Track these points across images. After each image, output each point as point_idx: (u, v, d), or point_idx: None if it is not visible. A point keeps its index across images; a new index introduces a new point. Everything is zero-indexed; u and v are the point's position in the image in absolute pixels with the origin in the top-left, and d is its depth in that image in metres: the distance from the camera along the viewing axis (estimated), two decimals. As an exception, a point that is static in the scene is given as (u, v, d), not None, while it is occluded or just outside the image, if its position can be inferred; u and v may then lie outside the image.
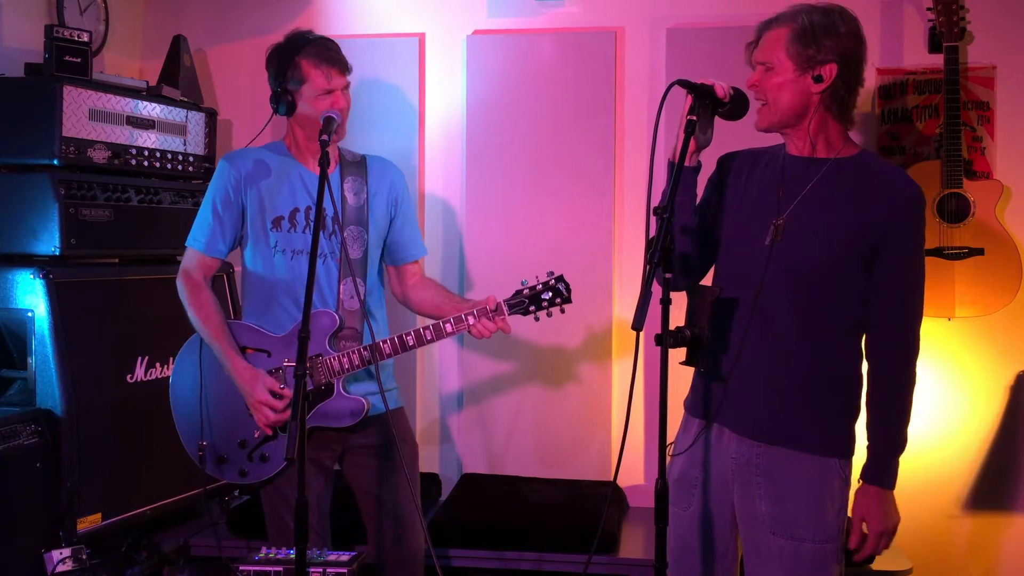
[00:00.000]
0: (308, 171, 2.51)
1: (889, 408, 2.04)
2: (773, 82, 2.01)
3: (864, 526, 2.04)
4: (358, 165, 2.57)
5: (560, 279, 2.43)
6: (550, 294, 2.41)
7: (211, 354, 2.48)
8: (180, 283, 2.50)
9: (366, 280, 2.51)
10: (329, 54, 2.44)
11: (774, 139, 2.14)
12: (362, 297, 2.47)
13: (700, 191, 2.16)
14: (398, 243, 2.62)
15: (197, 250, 2.50)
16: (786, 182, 2.05)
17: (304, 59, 2.43)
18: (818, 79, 1.98)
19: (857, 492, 2.05)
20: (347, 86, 2.47)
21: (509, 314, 2.41)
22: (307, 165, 2.52)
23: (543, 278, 2.43)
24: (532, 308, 2.42)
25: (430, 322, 2.42)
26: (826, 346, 2.02)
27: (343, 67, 2.46)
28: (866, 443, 2.05)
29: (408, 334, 2.40)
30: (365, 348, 2.40)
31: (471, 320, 2.39)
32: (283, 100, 2.45)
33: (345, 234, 2.48)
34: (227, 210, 2.49)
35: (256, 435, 2.45)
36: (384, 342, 2.39)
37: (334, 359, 2.40)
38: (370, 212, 2.54)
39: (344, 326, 2.45)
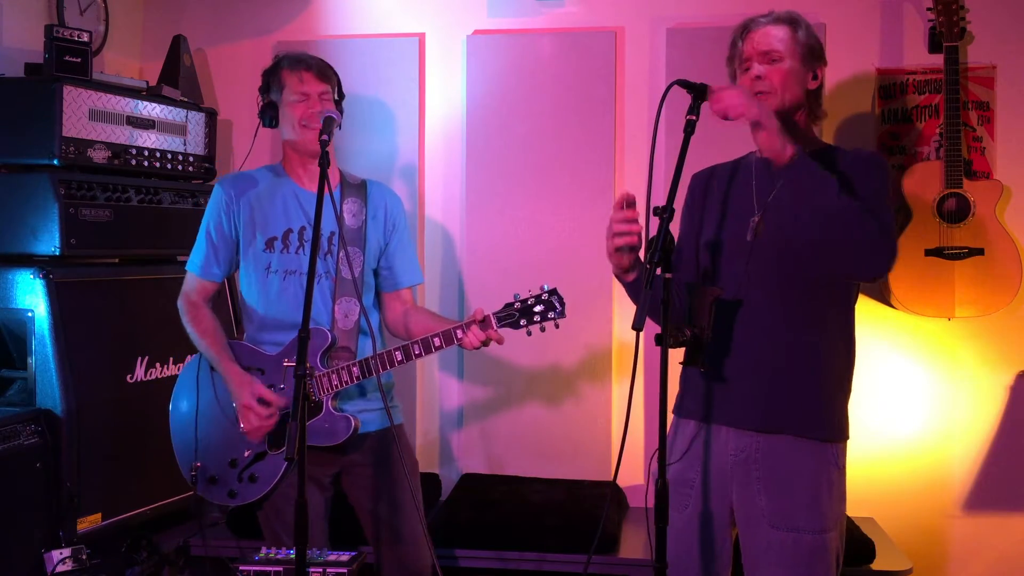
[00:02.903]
0: (302, 189, 2.50)
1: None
2: (783, 70, 2.07)
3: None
4: (358, 188, 2.57)
5: (553, 292, 2.35)
6: (542, 307, 2.34)
7: (207, 375, 2.49)
8: (180, 305, 2.54)
9: (361, 300, 2.49)
10: (304, 59, 2.49)
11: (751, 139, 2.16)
12: (357, 316, 2.45)
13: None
14: (392, 269, 2.60)
15: (194, 274, 2.54)
16: (761, 182, 2.11)
17: (283, 68, 2.50)
18: (815, 76, 2.11)
19: None
20: (325, 92, 2.46)
21: (499, 327, 2.35)
22: (301, 183, 2.51)
23: (535, 291, 2.35)
24: (523, 322, 2.35)
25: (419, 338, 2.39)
26: (815, 331, 2.06)
27: (320, 72, 2.47)
28: None
29: (397, 349, 2.37)
30: (354, 364, 2.38)
31: (459, 334, 2.34)
32: (267, 112, 2.52)
33: (342, 254, 2.46)
34: (220, 235, 2.50)
35: (247, 454, 2.44)
36: (372, 358, 2.36)
37: (324, 376, 2.38)
38: (367, 235, 2.53)
39: (337, 345, 2.44)
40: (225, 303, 3.29)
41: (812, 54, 2.09)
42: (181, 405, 2.54)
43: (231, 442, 2.46)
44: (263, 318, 2.49)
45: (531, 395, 3.50)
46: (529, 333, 2.37)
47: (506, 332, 2.37)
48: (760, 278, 2.06)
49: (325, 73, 2.49)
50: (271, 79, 2.51)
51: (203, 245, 2.52)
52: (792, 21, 2.09)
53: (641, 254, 2.00)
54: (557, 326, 2.37)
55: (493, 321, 2.35)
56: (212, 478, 2.46)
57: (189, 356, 2.61)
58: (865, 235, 1.91)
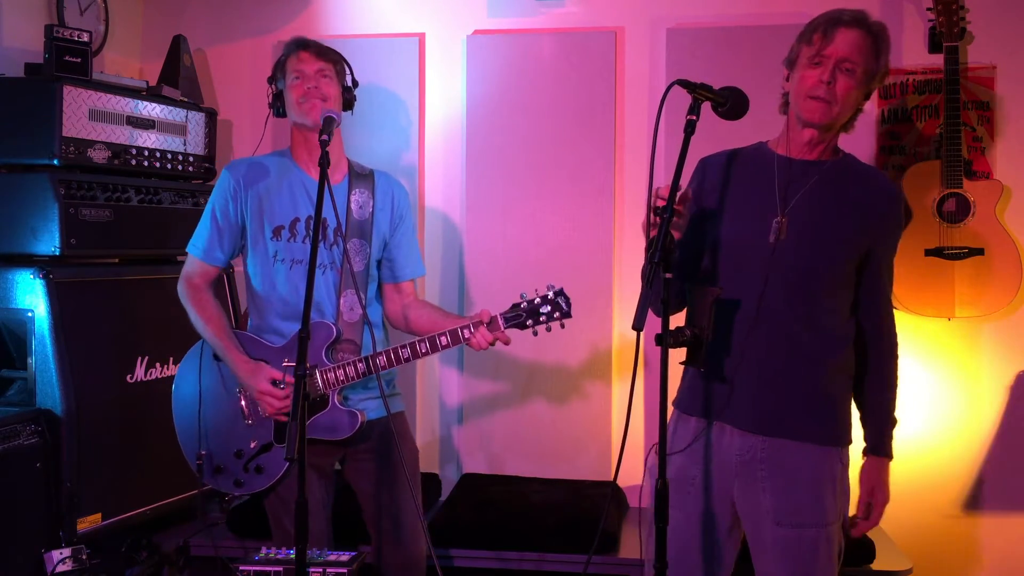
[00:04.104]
0: (310, 178, 2.50)
1: (886, 391, 2.17)
2: (849, 86, 2.01)
3: (868, 496, 2.18)
4: (366, 178, 2.57)
5: (560, 293, 2.36)
6: (549, 308, 2.35)
7: (210, 363, 2.48)
8: (181, 287, 2.52)
9: (367, 293, 2.49)
10: (302, 40, 2.51)
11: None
12: (363, 308, 2.45)
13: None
14: (396, 260, 2.60)
15: (196, 256, 2.52)
16: (785, 182, 2.07)
17: (285, 55, 2.52)
18: (867, 96, 2.07)
19: (864, 466, 2.19)
20: (323, 70, 2.47)
21: (506, 327, 2.36)
22: (309, 172, 2.51)
23: (542, 291, 2.37)
24: (530, 323, 2.36)
25: (426, 336, 2.40)
26: (825, 340, 2.06)
27: (317, 51, 2.48)
28: (862, 420, 2.18)
29: (403, 346, 2.38)
30: (360, 360, 2.39)
31: (466, 333, 2.36)
32: (277, 101, 2.54)
33: (348, 246, 2.46)
34: (226, 219, 2.50)
35: (252, 446, 2.45)
36: (380, 354, 2.37)
37: (329, 371, 2.39)
38: (374, 226, 2.53)
39: (342, 338, 2.44)
40: (224, 295, 3.29)
41: (879, 79, 2.05)
42: (185, 393, 2.53)
43: (236, 433, 2.46)
44: (269, 306, 2.48)
45: (531, 393, 3.50)
46: (535, 333, 2.38)
47: (510, 331, 2.37)
48: (776, 281, 2.04)
49: (322, 52, 2.49)
50: (277, 69, 2.54)
51: (207, 228, 2.51)
52: (878, 38, 2.01)
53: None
54: (563, 326, 2.39)
55: (501, 322, 2.36)
56: (218, 467, 2.47)
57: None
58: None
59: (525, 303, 2.37)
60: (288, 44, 2.53)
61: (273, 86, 2.55)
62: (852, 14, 2.01)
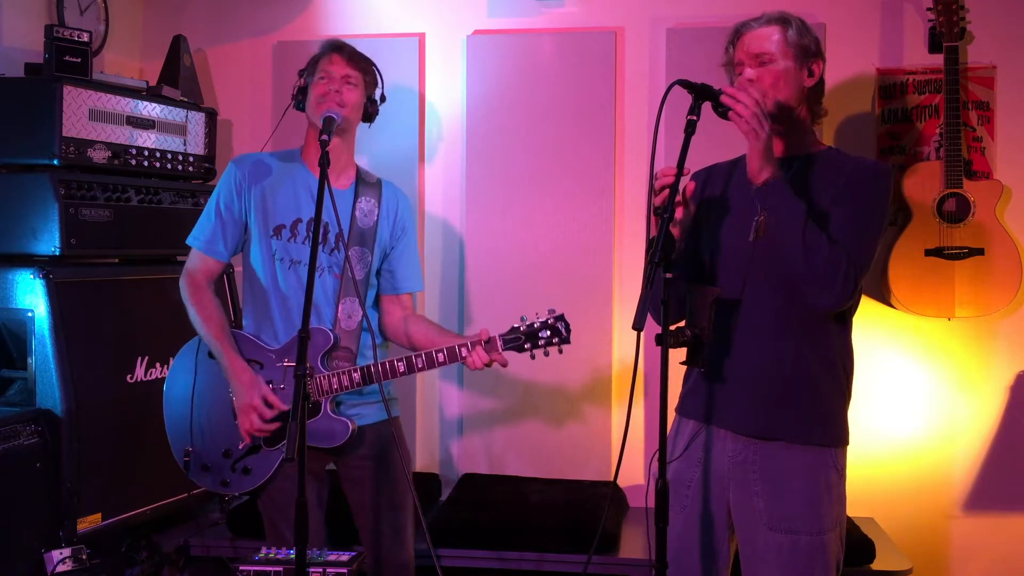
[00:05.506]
0: (315, 179, 2.46)
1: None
2: (775, 72, 2.06)
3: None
4: (373, 187, 2.56)
5: (560, 318, 2.36)
6: (548, 332, 2.35)
7: (205, 360, 2.48)
8: (182, 283, 2.50)
9: (364, 305, 2.48)
10: (339, 44, 2.51)
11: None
12: (360, 317, 2.44)
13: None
14: (396, 272, 2.59)
15: (197, 249, 2.50)
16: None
17: (320, 53, 2.51)
18: (811, 73, 2.09)
19: None
20: (350, 77, 2.46)
21: (504, 349, 2.36)
22: (315, 173, 2.49)
23: (542, 316, 2.36)
24: (528, 346, 2.36)
25: (423, 351, 2.39)
26: (814, 337, 2.06)
27: (349, 57, 2.48)
28: None
29: (400, 360, 2.36)
30: (355, 370, 2.37)
31: (463, 352, 2.35)
32: (299, 94, 2.52)
33: (349, 253, 2.45)
34: (229, 213, 2.48)
35: (240, 446, 2.43)
36: (376, 365, 2.36)
37: (324, 378, 2.37)
38: (377, 235, 2.52)
39: (339, 345, 2.43)
40: (225, 296, 3.29)
41: (805, 52, 2.08)
42: (177, 388, 2.51)
43: (226, 432, 2.44)
44: (267, 306, 2.47)
45: (531, 391, 3.50)
46: (533, 357, 2.38)
47: (507, 354, 2.37)
48: (759, 279, 2.06)
49: (354, 58, 2.49)
50: (310, 64, 2.52)
51: (211, 220, 2.48)
52: (782, 20, 2.09)
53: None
54: (561, 351, 2.38)
55: (499, 344, 2.35)
56: (205, 466, 2.46)
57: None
58: (811, 272, 1.94)
59: (524, 326, 2.37)
60: (324, 44, 2.52)
61: (302, 79, 2.53)
62: (752, 20, 2.11)
